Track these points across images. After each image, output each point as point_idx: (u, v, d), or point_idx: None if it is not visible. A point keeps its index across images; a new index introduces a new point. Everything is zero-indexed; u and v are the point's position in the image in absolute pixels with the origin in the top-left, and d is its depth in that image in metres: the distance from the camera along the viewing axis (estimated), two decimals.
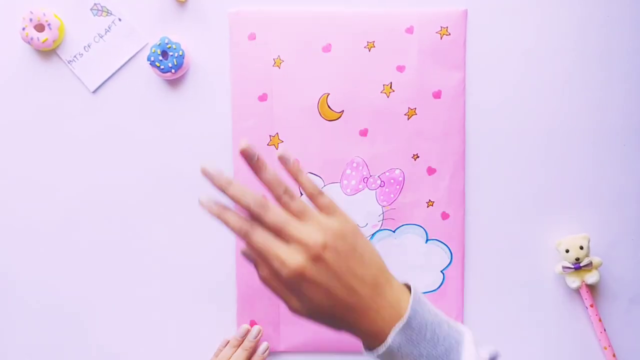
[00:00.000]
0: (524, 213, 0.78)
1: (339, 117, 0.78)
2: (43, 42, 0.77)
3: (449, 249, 0.79)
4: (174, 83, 0.79)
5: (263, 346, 0.80)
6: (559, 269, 0.76)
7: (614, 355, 0.76)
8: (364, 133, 0.78)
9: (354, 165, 0.79)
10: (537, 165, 0.78)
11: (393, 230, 0.80)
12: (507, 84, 0.78)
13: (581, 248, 0.74)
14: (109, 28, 0.79)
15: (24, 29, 0.77)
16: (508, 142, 0.78)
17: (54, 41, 0.77)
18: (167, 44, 0.76)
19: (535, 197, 0.78)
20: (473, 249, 0.79)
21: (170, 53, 0.76)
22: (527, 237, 0.78)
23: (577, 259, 0.74)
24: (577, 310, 0.78)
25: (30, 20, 0.76)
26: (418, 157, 0.78)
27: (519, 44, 0.77)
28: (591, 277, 0.75)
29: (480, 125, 0.78)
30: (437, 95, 0.77)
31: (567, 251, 0.75)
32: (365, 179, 0.79)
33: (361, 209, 0.79)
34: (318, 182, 0.79)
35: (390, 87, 0.78)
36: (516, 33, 0.77)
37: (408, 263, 0.80)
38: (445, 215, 0.79)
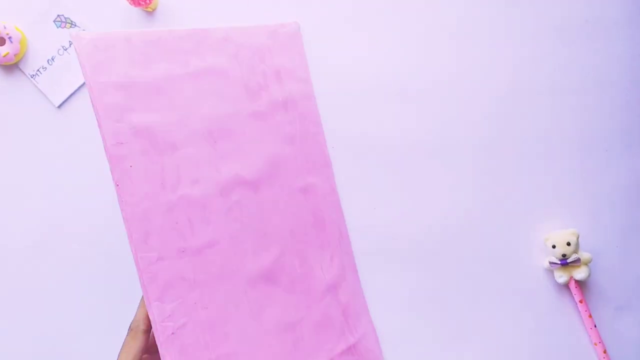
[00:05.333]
0: (513, 207, 0.77)
1: None
2: (4, 56, 0.74)
3: None
4: None
5: None
6: (546, 264, 0.76)
7: (604, 352, 0.75)
8: None
9: None
10: (527, 162, 0.77)
11: None
12: (491, 89, 0.77)
13: (568, 244, 0.74)
14: None
15: None
16: (492, 148, 0.78)
17: (15, 55, 0.74)
18: None
19: (526, 192, 0.77)
20: (460, 260, 0.77)
21: None
22: (517, 231, 0.77)
23: (564, 255, 0.74)
24: (567, 305, 0.77)
25: None
26: None
27: (500, 50, 0.77)
28: (579, 273, 0.75)
29: (464, 129, 0.77)
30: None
31: (554, 247, 0.74)
32: None
33: None
34: None
35: None
36: (498, 39, 0.77)
37: None
38: None
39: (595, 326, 0.76)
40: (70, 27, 0.76)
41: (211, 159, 0.67)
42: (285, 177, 0.71)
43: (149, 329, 0.63)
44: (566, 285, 0.77)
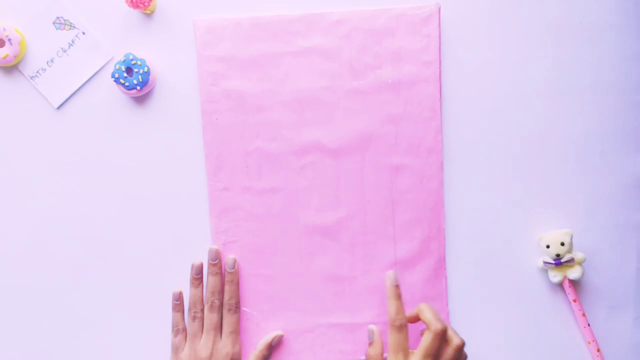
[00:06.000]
0: (507, 209, 0.78)
1: None
2: (3, 57, 0.74)
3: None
4: (142, 98, 0.77)
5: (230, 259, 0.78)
6: (539, 263, 0.77)
7: (598, 350, 0.76)
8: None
9: None
10: (522, 162, 0.78)
11: None
12: (485, 91, 0.78)
13: (562, 244, 0.75)
14: (73, 42, 0.76)
15: None
16: (487, 149, 0.78)
17: (15, 56, 0.75)
18: (131, 60, 0.74)
19: (520, 192, 0.78)
20: (454, 261, 0.78)
21: (135, 70, 0.74)
22: (510, 233, 0.78)
23: (558, 255, 0.75)
24: (561, 305, 0.78)
25: None
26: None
27: (495, 53, 0.77)
28: (573, 273, 0.76)
29: (461, 122, 0.78)
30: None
31: (548, 247, 0.75)
32: None
33: None
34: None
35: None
36: (492, 43, 0.77)
37: None
38: None
39: (588, 325, 0.77)
40: (69, 29, 0.76)
41: (294, 124, 0.77)
42: (374, 152, 0.77)
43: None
44: (560, 285, 0.78)
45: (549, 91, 0.78)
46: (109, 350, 0.79)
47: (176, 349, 0.76)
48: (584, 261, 0.76)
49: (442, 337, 0.69)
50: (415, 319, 0.73)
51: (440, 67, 0.76)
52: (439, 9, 0.76)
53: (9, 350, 0.80)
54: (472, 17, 0.77)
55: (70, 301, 0.79)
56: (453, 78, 0.77)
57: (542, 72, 0.78)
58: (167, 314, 0.79)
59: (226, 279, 0.77)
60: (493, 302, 0.78)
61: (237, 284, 0.77)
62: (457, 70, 0.77)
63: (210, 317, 0.76)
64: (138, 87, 0.75)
